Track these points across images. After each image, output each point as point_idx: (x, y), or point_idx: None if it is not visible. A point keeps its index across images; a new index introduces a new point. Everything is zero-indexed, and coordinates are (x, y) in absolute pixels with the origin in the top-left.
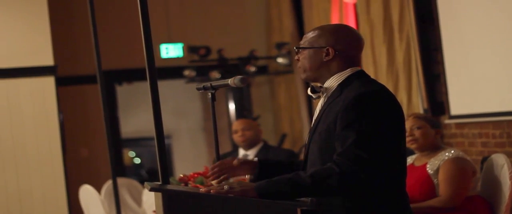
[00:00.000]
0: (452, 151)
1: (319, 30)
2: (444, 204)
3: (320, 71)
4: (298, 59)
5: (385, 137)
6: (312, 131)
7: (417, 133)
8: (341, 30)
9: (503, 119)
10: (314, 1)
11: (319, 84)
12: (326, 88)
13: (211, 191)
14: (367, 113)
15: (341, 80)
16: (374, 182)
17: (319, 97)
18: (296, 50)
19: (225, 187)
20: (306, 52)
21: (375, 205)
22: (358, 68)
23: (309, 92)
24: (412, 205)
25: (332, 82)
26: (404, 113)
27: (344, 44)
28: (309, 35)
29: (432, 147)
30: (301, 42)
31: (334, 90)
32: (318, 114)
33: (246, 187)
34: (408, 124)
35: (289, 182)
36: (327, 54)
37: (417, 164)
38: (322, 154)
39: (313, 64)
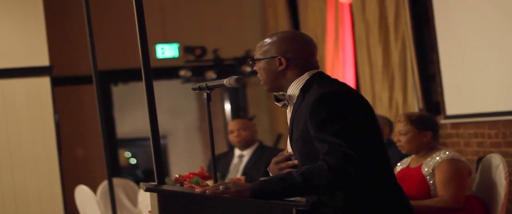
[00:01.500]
0: (447, 152)
1: (269, 40)
2: (447, 205)
3: (278, 81)
4: (256, 71)
5: (359, 131)
6: (290, 139)
7: (402, 138)
8: (290, 38)
9: (499, 119)
10: (310, 1)
11: (279, 93)
12: (289, 96)
13: (207, 191)
14: (333, 111)
15: (301, 85)
16: (362, 175)
17: (285, 105)
18: (250, 62)
19: (221, 187)
20: (261, 63)
21: (369, 198)
22: (316, 71)
23: (275, 102)
24: (413, 203)
25: (293, 89)
26: (370, 106)
27: (294, 51)
28: (261, 46)
29: (424, 149)
30: (255, 53)
31: (297, 96)
32: (289, 122)
33: (241, 187)
34: (396, 129)
35: (281, 182)
36: (280, 63)
37: (413, 165)
38: (304, 160)
39: (269, 75)
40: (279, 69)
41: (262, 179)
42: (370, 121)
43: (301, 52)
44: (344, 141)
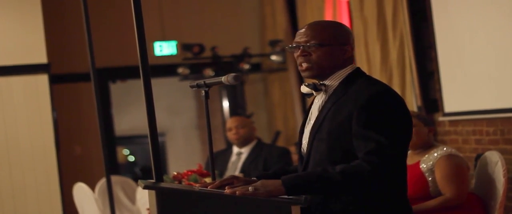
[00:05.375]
0: (444, 148)
1: (333, 27)
2: (451, 203)
3: (334, 69)
4: (305, 55)
5: (403, 136)
6: (316, 129)
7: None
8: (347, 28)
9: (497, 116)
10: None
11: (318, 82)
12: (327, 85)
13: (237, 192)
14: (387, 112)
15: (342, 78)
16: (397, 180)
17: (311, 94)
18: (313, 46)
19: (250, 189)
20: (324, 49)
21: (383, 206)
22: (356, 66)
23: (304, 89)
24: (418, 206)
25: (333, 80)
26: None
27: (352, 43)
28: (321, 30)
29: (424, 145)
30: (310, 37)
31: (336, 88)
32: (320, 112)
33: (270, 187)
34: None
35: (319, 179)
36: (346, 52)
37: (410, 162)
38: (331, 152)
39: (332, 62)
40: (345, 57)
41: (295, 174)
42: (409, 126)
43: (353, 43)
44: (392, 142)
